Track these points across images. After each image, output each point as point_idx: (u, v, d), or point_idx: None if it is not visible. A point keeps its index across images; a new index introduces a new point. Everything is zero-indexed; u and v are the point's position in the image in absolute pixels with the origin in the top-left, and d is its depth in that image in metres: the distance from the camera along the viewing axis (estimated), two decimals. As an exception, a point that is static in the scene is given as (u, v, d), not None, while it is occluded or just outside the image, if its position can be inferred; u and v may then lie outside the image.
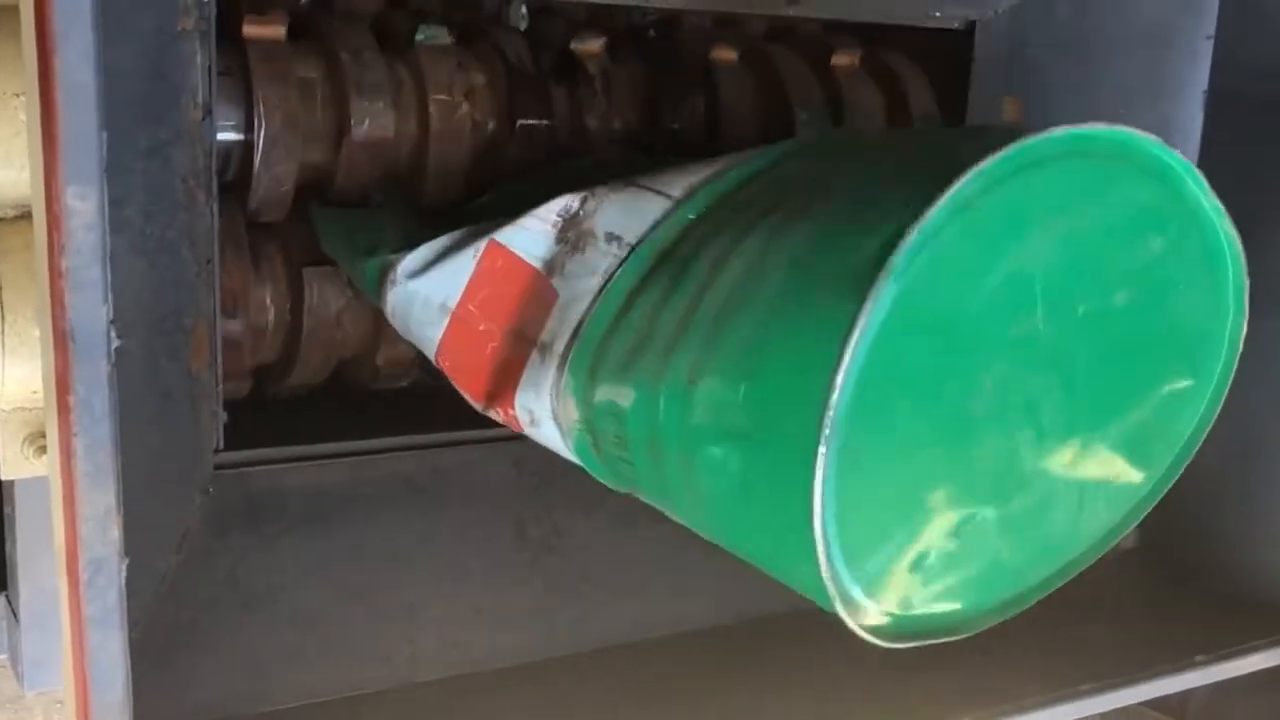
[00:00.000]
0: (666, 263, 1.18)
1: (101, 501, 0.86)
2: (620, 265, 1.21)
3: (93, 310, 0.83)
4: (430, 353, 1.29)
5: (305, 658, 1.29)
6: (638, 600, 1.37)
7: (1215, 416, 1.18)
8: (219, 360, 1.31)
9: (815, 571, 0.95)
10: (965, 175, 0.90)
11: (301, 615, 1.31)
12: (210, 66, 1.25)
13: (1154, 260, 1.10)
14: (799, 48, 1.69)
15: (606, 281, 1.20)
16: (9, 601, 1.47)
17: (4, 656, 1.47)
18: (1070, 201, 1.01)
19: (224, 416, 1.34)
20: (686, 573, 1.37)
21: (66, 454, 0.85)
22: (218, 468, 1.33)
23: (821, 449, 0.89)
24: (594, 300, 1.21)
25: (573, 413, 1.19)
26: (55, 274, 0.82)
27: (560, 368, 1.20)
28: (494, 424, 1.48)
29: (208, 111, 1.25)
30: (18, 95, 1.23)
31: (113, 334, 0.85)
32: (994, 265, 0.97)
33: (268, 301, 1.44)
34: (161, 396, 1.20)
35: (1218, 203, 1.08)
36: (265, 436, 1.39)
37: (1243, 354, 1.17)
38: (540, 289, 1.25)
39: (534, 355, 1.23)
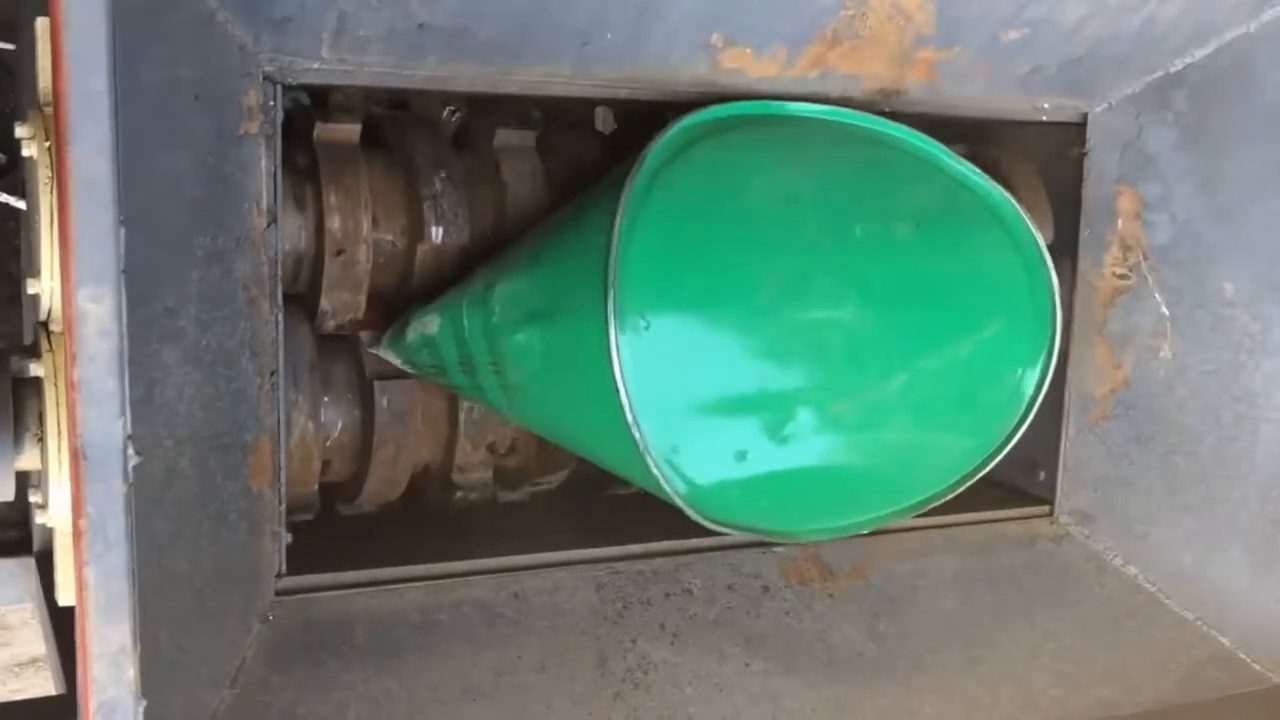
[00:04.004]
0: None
1: (115, 637, 0.77)
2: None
3: (106, 425, 0.75)
4: None
5: (368, 805, 1.18)
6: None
7: (1049, 377, 1.22)
8: (283, 477, 1.24)
9: (625, 432, 1.02)
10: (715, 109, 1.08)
11: (367, 756, 1.20)
12: (276, 171, 1.19)
13: (928, 206, 1.17)
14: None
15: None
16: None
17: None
18: (823, 146, 1.14)
19: (287, 538, 1.25)
20: (783, 712, 1.22)
21: (80, 584, 0.77)
22: (279, 593, 1.24)
23: (611, 305, 0.97)
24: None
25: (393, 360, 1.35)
26: (70, 385, 0.75)
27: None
28: (575, 544, 1.39)
29: (273, 218, 1.20)
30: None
31: (130, 451, 0.76)
32: (747, 181, 1.08)
33: (336, 414, 1.36)
34: (215, 517, 1.12)
35: (979, 172, 1.18)
36: (332, 559, 1.30)
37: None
38: None
39: None
